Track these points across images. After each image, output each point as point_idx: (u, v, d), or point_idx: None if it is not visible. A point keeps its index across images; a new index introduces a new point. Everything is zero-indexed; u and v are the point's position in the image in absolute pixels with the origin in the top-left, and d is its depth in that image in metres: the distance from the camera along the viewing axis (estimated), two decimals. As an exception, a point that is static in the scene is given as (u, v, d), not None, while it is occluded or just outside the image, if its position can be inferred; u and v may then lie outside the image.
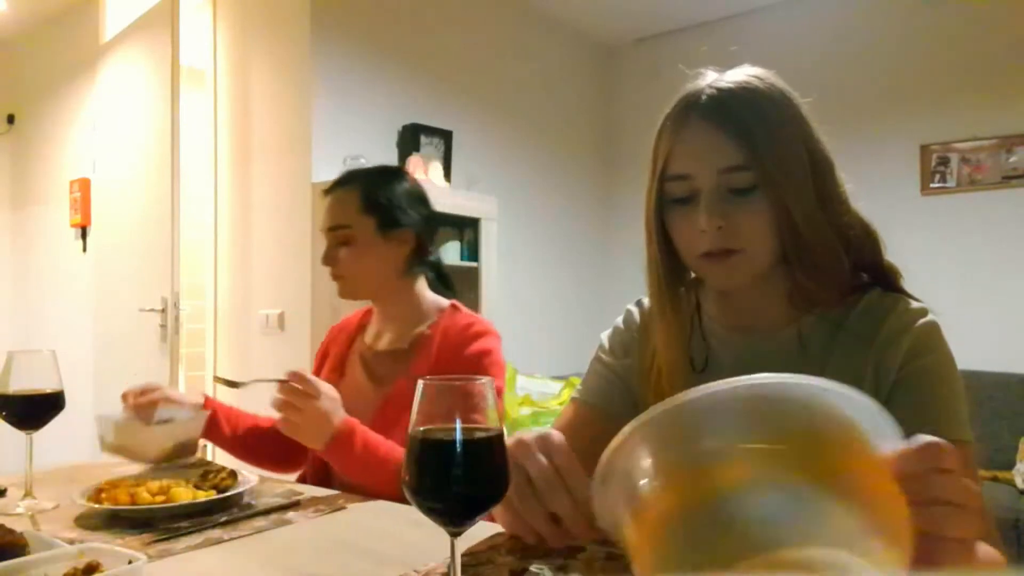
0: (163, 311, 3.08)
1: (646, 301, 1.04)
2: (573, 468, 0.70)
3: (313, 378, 1.17)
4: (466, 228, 3.52)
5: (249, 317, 3.32)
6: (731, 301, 0.97)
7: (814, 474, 0.47)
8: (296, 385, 1.15)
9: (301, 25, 3.12)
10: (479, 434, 0.61)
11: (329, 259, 1.40)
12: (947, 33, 3.61)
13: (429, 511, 0.61)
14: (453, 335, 1.36)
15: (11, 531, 0.81)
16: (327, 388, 1.18)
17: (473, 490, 0.61)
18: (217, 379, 1.30)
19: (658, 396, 0.94)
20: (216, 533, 0.96)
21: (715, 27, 4.25)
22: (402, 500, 1.09)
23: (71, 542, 0.82)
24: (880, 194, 3.46)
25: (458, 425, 0.60)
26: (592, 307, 4.51)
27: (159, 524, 0.98)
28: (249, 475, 1.17)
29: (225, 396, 3.35)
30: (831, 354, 0.89)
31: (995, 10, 3.49)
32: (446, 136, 3.51)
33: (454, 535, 0.63)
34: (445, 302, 1.46)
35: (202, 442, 1.44)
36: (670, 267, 0.93)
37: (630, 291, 1.08)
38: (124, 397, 1.30)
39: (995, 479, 2.86)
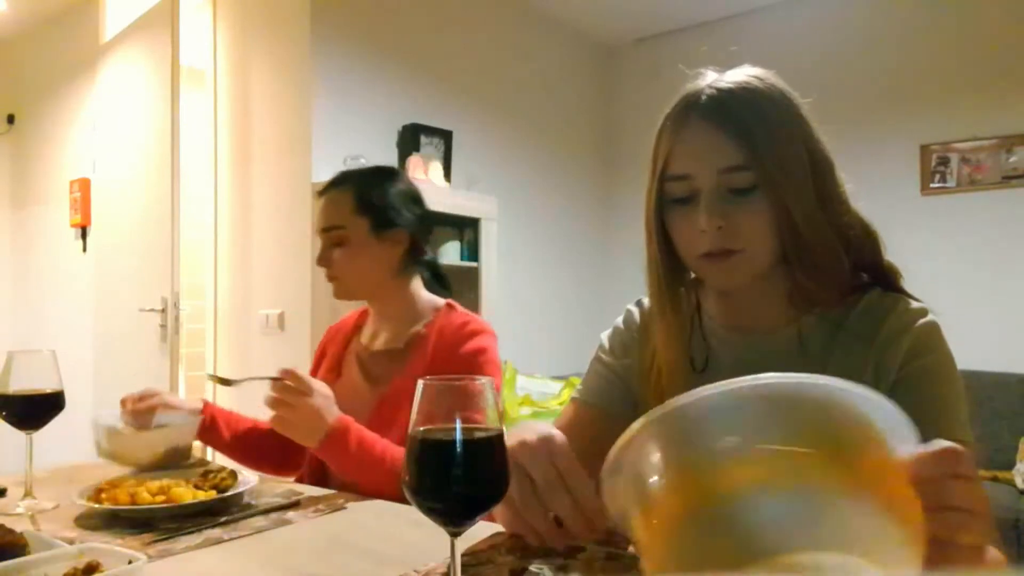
0: (163, 311, 3.08)
1: (646, 301, 1.04)
2: (575, 470, 0.70)
3: (305, 375, 1.17)
4: (466, 228, 3.52)
5: (249, 317, 3.32)
6: (731, 301, 0.97)
7: (830, 477, 0.47)
8: (288, 383, 1.16)
9: (301, 25, 3.12)
10: (479, 434, 0.61)
11: (324, 260, 1.41)
12: (947, 33, 3.62)
13: (429, 511, 0.61)
14: (448, 334, 1.37)
15: (11, 531, 0.81)
16: (320, 386, 1.18)
17: (473, 490, 0.61)
18: (211, 377, 1.30)
19: (658, 396, 0.95)
20: (216, 533, 0.96)
21: (715, 27, 4.25)
22: (399, 499, 1.10)
23: (71, 542, 0.82)
24: (880, 194, 3.46)
25: (458, 425, 0.60)
26: (592, 307, 4.51)
27: (159, 524, 0.98)
28: (249, 475, 1.17)
29: (225, 401, 3.35)
30: (831, 354, 0.89)
31: (995, 10, 3.49)
32: (446, 136, 3.51)
33: (454, 535, 0.63)
34: (441, 301, 1.46)
35: (199, 444, 1.44)
36: (670, 267, 0.93)
37: (630, 291, 1.08)
38: (123, 403, 1.31)
39: (995, 479, 2.85)
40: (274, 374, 1.17)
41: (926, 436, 0.54)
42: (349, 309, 1.60)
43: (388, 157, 3.34)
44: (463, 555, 0.81)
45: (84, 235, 3.90)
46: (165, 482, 1.07)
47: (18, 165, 4.43)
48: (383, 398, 1.37)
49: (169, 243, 3.05)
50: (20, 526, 0.85)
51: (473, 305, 3.45)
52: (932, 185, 3.63)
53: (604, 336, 1.09)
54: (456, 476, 0.60)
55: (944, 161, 3.60)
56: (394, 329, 1.45)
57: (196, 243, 3.59)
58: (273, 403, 1.16)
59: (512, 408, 3.27)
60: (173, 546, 0.91)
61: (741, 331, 0.96)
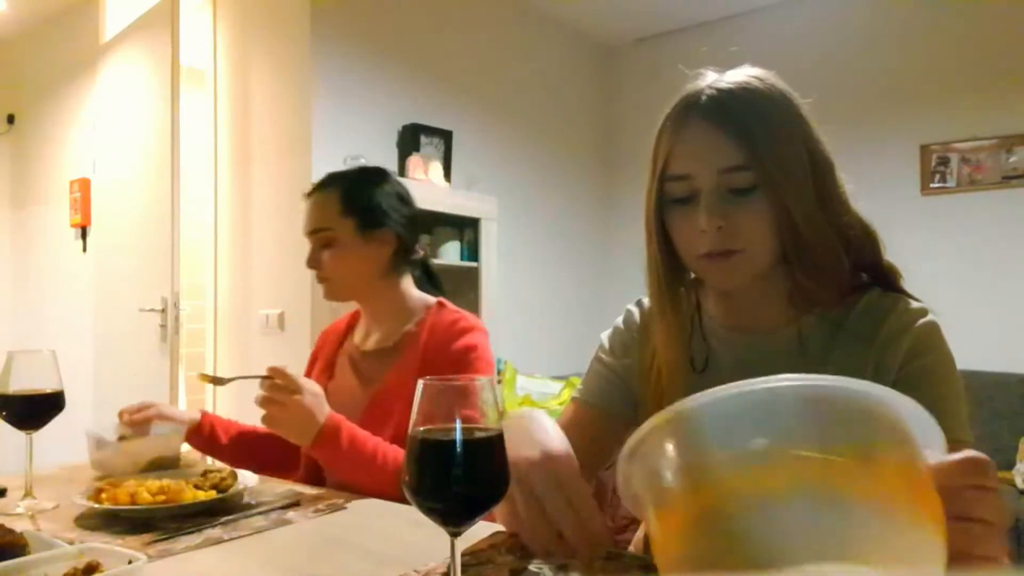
0: (163, 311, 3.08)
1: (646, 301, 1.04)
2: (582, 493, 0.69)
3: (294, 374, 1.17)
4: (466, 228, 3.52)
5: (249, 317, 3.32)
6: (731, 301, 0.97)
7: (860, 485, 0.46)
8: (277, 381, 1.16)
9: (301, 25, 3.12)
10: (479, 434, 0.61)
11: (313, 262, 1.41)
12: (947, 33, 3.62)
13: (429, 511, 0.61)
14: (439, 331, 1.37)
15: (11, 531, 0.81)
16: (310, 384, 1.18)
17: (473, 490, 0.61)
18: (202, 376, 1.31)
19: (658, 396, 0.95)
20: (216, 533, 0.96)
21: (715, 27, 4.25)
22: (393, 497, 1.10)
23: (71, 542, 0.82)
24: (880, 194, 3.46)
25: (458, 425, 0.60)
26: (592, 307, 4.51)
27: (159, 524, 0.98)
28: (249, 475, 1.17)
29: (225, 409, 3.35)
30: (831, 354, 0.89)
31: (995, 10, 3.49)
32: (446, 136, 3.51)
33: (454, 535, 0.63)
34: (431, 299, 1.46)
35: (199, 455, 1.45)
36: (670, 267, 0.93)
37: (630, 291, 1.08)
38: (120, 415, 1.32)
39: (995, 479, 2.85)
40: (263, 373, 1.18)
41: None
42: (349, 309, 1.60)
43: (388, 157, 3.34)
44: (463, 555, 0.81)
45: (84, 235, 3.90)
46: (165, 482, 1.07)
47: (18, 165, 4.43)
48: (375, 397, 1.37)
49: (169, 243, 3.05)
50: (20, 526, 0.85)
51: (473, 305, 3.45)
52: (932, 185, 3.63)
53: (604, 336, 1.09)
54: (456, 476, 0.60)
55: (944, 161, 3.60)
56: (385, 329, 1.45)
57: (196, 243, 3.59)
58: (263, 402, 1.16)
59: (512, 408, 3.27)
60: (173, 546, 0.91)
61: (741, 331, 0.96)
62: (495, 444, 0.62)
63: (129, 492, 1.04)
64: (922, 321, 0.86)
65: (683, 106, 0.88)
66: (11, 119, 4.44)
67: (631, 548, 1.13)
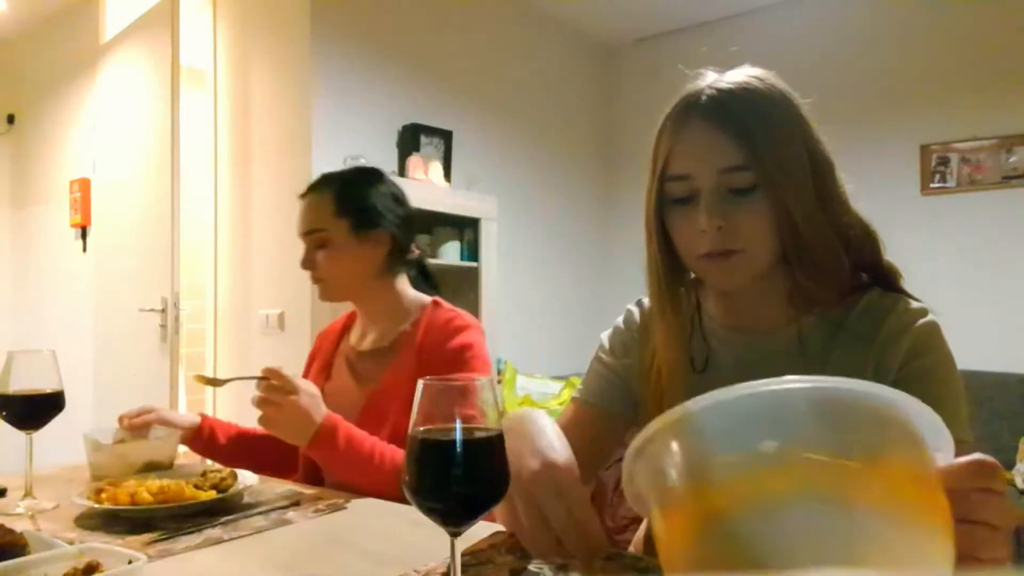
0: (163, 311, 3.08)
1: (646, 301, 1.04)
2: (583, 505, 0.69)
3: (290, 375, 1.17)
4: (466, 228, 3.52)
5: (249, 317, 3.32)
6: (731, 301, 0.97)
7: (871, 490, 0.45)
8: (273, 382, 1.16)
9: (301, 25, 3.12)
10: (479, 434, 0.61)
11: (307, 263, 1.41)
12: (947, 33, 3.62)
13: (429, 511, 0.61)
14: (434, 330, 1.37)
15: (11, 531, 0.81)
16: (306, 384, 1.18)
17: (473, 490, 0.61)
18: (198, 378, 1.31)
19: (658, 396, 0.95)
20: (216, 533, 0.96)
21: (715, 27, 4.25)
22: (391, 497, 1.10)
23: (71, 542, 0.82)
24: (880, 194, 3.46)
25: (458, 425, 0.60)
26: (592, 307, 4.51)
27: (159, 524, 0.98)
28: (249, 475, 1.17)
29: (226, 411, 3.35)
30: (831, 354, 0.89)
31: (995, 10, 3.49)
32: (446, 136, 3.51)
33: (454, 535, 0.63)
34: (427, 298, 1.46)
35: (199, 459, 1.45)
36: (670, 267, 0.93)
37: (630, 291, 1.08)
38: (120, 419, 1.32)
39: (995, 479, 2.85)
40: (259, 374, 1.18)
41: None
42: (349, 310, 1.61)
43: (388, 157, 3.34)
44: (463, 555, 0.81)
45: (84, 235, 3.90)
46: (165, 482, 1.07)
47: (18, 165, 4.43)
48: (372, 397, 1.37)
49: (169, 243, 3.05)
50: (20, 526, 0.85)
51: (473, 305, 3.45)
52: (932, 185, 3.63)
53: (604, 336, 1.09)
54: (456, 476, 0.60)
55: (944, 161, 3.60)
56: (381, 329, 1.45)
57: (196, 243, 3.59)
58: (259, 403, 1.17)
59: (512, 408, 3.27)
60: (173, 546, 0.91)
61: (741, 331, 0.96)
62: (495, 444, 0.62)
63: (129, 492, 1.04)
64: (922, 321, 0.86)
65: (683, 106, 0.88)
66: (11, 119, 4.44)
67: (631, 548, 1.13)
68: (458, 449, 0.60)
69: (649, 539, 1.07)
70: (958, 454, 0.55)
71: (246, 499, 1.12)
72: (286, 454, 1.39)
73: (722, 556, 0.46)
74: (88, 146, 3.83)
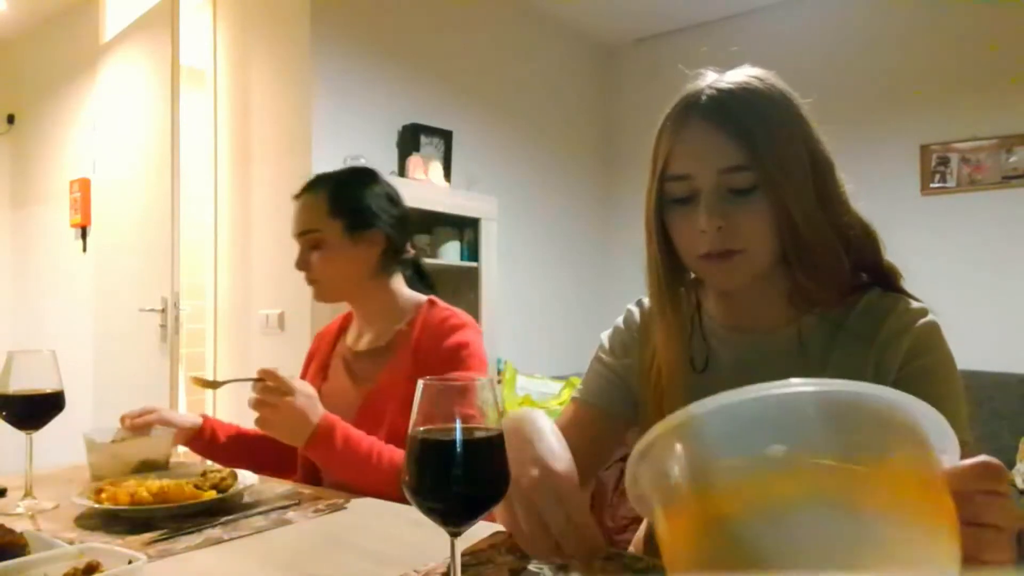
0: (163, 311, 3.08)
1: (646, 301, 1.04)
2: (582, 511, 0.69)
3: (286, 376, 1.17)
4: (466, 228, 3.52)
5: (249, 317, 3.32)
6: (731, 301, 0.97)
7: (878, 494, 0.45)
8: (268, 383, 1.16)
9: (301, 25, 3.12)
10: (479, 434, 0.61)
11: (302, 264, 1.42)
12: (947, 33, 3.62)
13: (429, 511, 0.61)
14: (430, 329, 1.37)
15: (11, 531, 0.81)
16: (302, 385, 1.18)
17: (473, 490, 0.61)
18: (194, 380, 1.32)
19: (658, 396, 0.95)
20: (216, 533, 0.96)
21: (715, 27, 4.25)
22: (390, 496, 1.10)
23: (71, 542, 0.82)
24: (880, 194, 3.46)
25: (458, 425, 0.60)
26: (592, 307, 4.51)
27: (159, 524, 0.98)
28: (249, 475, 1.17)
29: (223, 411, 3.35)
30: (831, 354, 0.89)
31: (995, 10, 3.49)
32: (446, 136, 3.51)
33: (454, 535, 0.63)
34: (423, 298, 1.46)
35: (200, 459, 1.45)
36: (670, 267, 0.93)
37: (630, 291, 1.08)
38: (122, 420, 1.32)
39: (995, 479, 2.85)
40: (254, 375, 1.18)
41: None
42: (347, 310, 1.61)
43: (388, 157, 3.34)
44: (463, 555, 0.81)
45: (84, 235, 3.90)
46: (165, 482, 1.07)
47: (18, 165, 4.43)
48: (368, 397, 1.37)
49: (169, 243, 3.05)
50: (20, 526, 0.85)
51: (473, 305, 3.45)
52: (932, 185, 3.63)
53: (604, 336, 1.09)
54: (456, 476, 0.60)
55: (944, 161, 3.60)
56: (377, 329, 1.45)
57: (196, 243, 3.59)
58: (255, 404, 1.17)
59: (512, 408, 3.27)
60: (173, 546, 0.91)
61: (741, 331, 0.96)
62: (495, 444, 0.62)
63: (129, 492, 1.04)
64: (922, 321, 0.86)
65: (683, 106, 0.88)
66: (11, 119, 4.44)
67: (631, 548, 1.13)
68: (458, 449, 0.60)
69: (649, 539, 1.07)
70: (959, 455, 0.55)
71: (246, 499, 1.12)
72: (286, 454, 1.39)
73: (727, 560, 0.46)
74: (88, 146, 3.83)
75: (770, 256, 0.87)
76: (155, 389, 3.04)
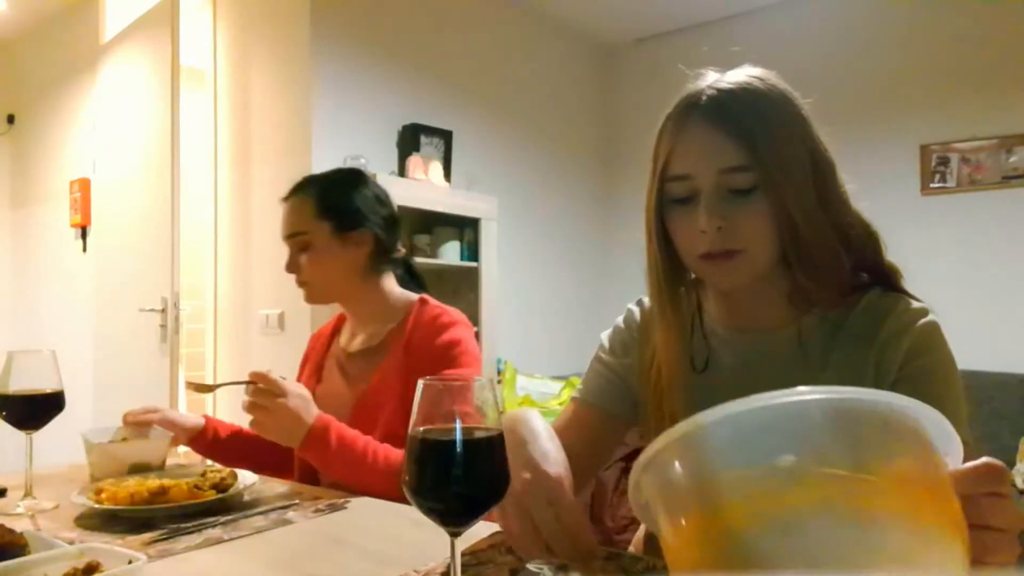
0: (163, 311, 3.08)
1: (647, 300, 1.04)
2: (574, 514, 0.69)
3: (278, 378, 1.17)
4: (466, 228, 3.52)
5: (249, 317, 3.32)
6: (731, 301, 0.97)
7: (889, 502, 0.45)
8: (261, 386, 1.16)
9: (301, 25, 3.12)
10: (479, 434, 0.61)
11: (292, 266, 1.42)
12: (947, 33, 3.62)
13: (429, 511, 0.61)
14: (422, 328, 1.37)
15: (11, 531, 0.81)
16: (295, 387, 1.18)
17: (473, 490, 0.61)
18: (189, 385, 1.32)
19: (658, 396, 0.95)
20: (216, 533, 0.96)
21: (715, 27, 4.25)
22: (386, 496, 1.10)
23: (71, 542, 0.82)
24: (880, 194, 3.45)
25: (458, 425, 0.60)
26: (592, 307, 4.51)
27: (159, 524, 0.98)
28: (249, 475, 1.17)
29: (223, 411, 3.35)
30: (831, 354, 0.89)
31: (995, 10, 3.49)
32: (446, 136, 3.51)
33: (454, 535, 0.63)
34: (414, 297, 1.46)
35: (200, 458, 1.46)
36: (670, 267, 0.93)
37: (630, 291, 1.08)
38: (125, 417, 1.33)
39: (995, 479, 2.85)
40: (247, 379, 1.18)
41: None
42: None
43: (388, 157, 3.34)
44: (463, 555, 0.81)
45: (84, 235, 3.90)
46: (165, 482, 1.07)
47: (18, 165, 4.43)
48: (362, 396, 1.38)
49: (169, 243, 3.05)
50: (20, 526, 0.85)
51: (473, 305, 3.45)
52: (932, 185, 3.63)
53: (604, 336, 1.09)
54: (456, 476, 0.59)
55: (944, 161, 3.60)
56: (370, 329, 1.46)
57: (196, 243, 3.59)
58: (249, 407, 1.17)
59: (512, 408, 3.27)
60: (173, 546, 0.91)
61: (741, 331, 0.95)
62: (495, 444, 0.62)
63: (129, 492, 1.04)
64: (922, 321, 0.86)
65: (684, 106, 0.88)
66: (11, 119, 4.44)
67: (631, 548, 1.13)
68: (458, 449, 0.60)
69: (649, 539, 1.07)
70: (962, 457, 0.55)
71: (246, 499, 1.12)
72: (287, 454, 1.39)
73: (737, 572, 0.46)
74: (88, 146, 3.83)
75: (770, 256, 0.87)
76: (155, 389, 3.04)
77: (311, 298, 1.44)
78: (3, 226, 4.45)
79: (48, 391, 1.12)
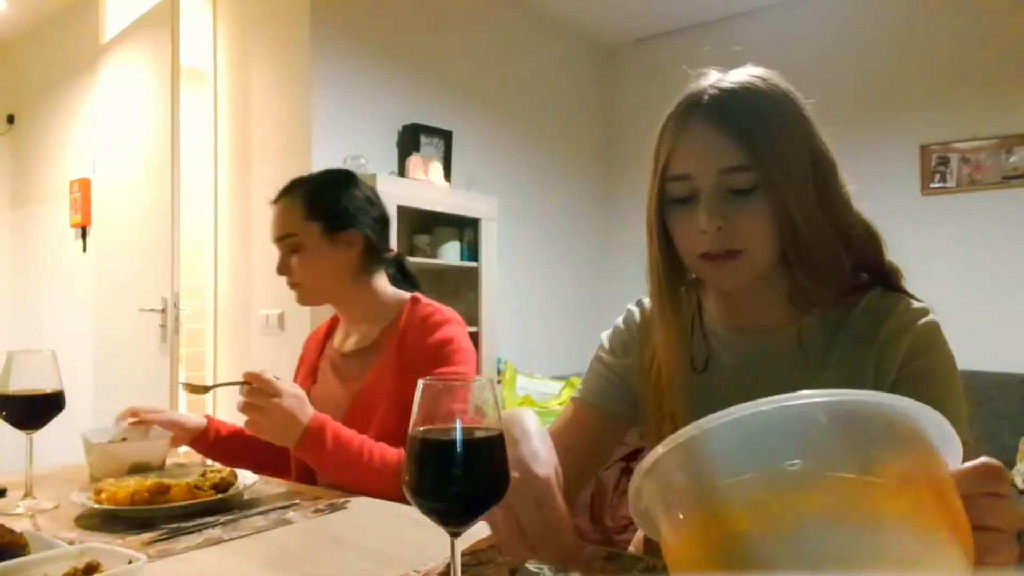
0: (163, 311, 3.08)
1: (647, 300, 1.04)
2: (560, 517, 0.69)
3: (272, 378, 1.17)
4: (466, 228, 3.52)
5: (249, 317, 3.32)
6: (731, 301, 0.96)
7: (896, 507, 0.44)
8: (255, 386, 1.16)
9: (301, 25, 3.12)
10: (479, 434, 0.61)
11: (283, 268, 1.43)
12: (947, 33, 3.62)
13: (429, 511, 0.61)
14: (414, 326, 1.38)
15: (11, 531, 0.81)
16: (290, 387, 1.18)
17: (473, 490, 0.61)
18: (185, 386, 1.32)
19: (658, 396, 0.95)
20: (216, 533, 0.96)
21: (715, 27, 4.25)
22: (383, 495, 1.10)
23: (71, 542, 0.82)
24: (880, 194, 3.45)
25: (458, 425, 0.60)
26: (592, 307, 4.50)
27: (159, 524, 0.98)
28: (249, 475, 1.17)
29: (222, 411, 3.35)
30: (831, 354, 0.89)
31: (995, 10, 3.49)
32: (446, 136, 3.51)
33: (454, 535, 0.63)
34: (406, 296, 1.46)
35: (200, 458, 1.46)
36: (670, 267, 0.93)
37: (630, 291, 1.08)
38: (124, 412, 1.33)
39: (995, 479, 2.85)
40: (241, 379, 1.18)
41: None
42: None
43: (388, 157, 3.34)
44: (463, 555, 0.81)
45: (84, 235, 3.90)
46: (165, 482, 1.07)
47: (18, 165, 4.43)
48: (357, 396, 1.38)
49: (169, 243, 3.05)
50: (20, 526, 0.85)
51: (473, 305, 3.45)
52: (932, 185, 3.63)
53: (604, 336, 1.09)
54: (456, 476, 0.59)
55: (944, 161, 3.60)
56: (363, 329, 1.46)
57: (196, 243, 3.59)
58: (243, 408, 1.17)
59: (511, 408, 3.27)
60: (173, 546, 0.91)
61: (741, 331, 0.95)
62: (495, 444, 0.61)
63: (129, 492, 1.04)
64: (922, 321, 0.86)
65: (685, 106, 0.88)
66: (11, 119, 4.44)
67: (631, 548, 1.13)
68: (458, 449, 0.59)
69: (649, 540, 1.07)
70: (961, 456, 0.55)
71: (246, 499, 1.12)
72: (287, 454, 1.39)
73: (739, 574, 0.45)
74: (88, 146, 3.82)
75: (770, 256, 0.87)
76: (155, 389, 3.04)
77: (303, 299, 1.45)
78: (3, 226, 4.45)
79: (48, 391, 1.12)
